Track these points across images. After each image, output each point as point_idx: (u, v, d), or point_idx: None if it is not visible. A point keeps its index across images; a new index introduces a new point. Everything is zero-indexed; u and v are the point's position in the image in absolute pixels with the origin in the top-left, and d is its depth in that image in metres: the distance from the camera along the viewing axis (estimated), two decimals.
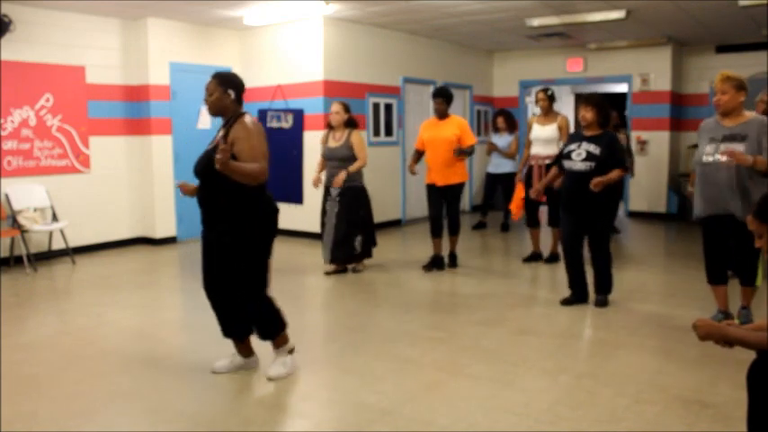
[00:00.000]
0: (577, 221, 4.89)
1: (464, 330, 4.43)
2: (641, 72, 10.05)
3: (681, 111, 10.30)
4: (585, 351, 4.13)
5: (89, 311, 5.05)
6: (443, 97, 6.14)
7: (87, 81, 7.43)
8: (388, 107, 9.13)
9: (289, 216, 8.29)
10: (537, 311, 4.89)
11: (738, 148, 3.95)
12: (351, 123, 6.00)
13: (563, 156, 4.96)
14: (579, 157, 4.80)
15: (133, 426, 3.04)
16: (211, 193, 3.42)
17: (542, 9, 7.55)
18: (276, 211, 3.61)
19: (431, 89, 9.80)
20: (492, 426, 2.96)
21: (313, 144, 8.12)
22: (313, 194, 8.24)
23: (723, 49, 9.96)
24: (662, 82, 9.92)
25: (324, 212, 6.10)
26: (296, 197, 8.31)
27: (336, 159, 5.93)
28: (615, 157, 4.75)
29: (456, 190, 6.20)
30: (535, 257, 6.68)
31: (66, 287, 6.12)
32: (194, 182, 3.61)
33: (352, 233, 6.03)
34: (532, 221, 6.66)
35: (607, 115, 4.88)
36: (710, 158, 4.10)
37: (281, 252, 7.46)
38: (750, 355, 2.18)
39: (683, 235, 8.38)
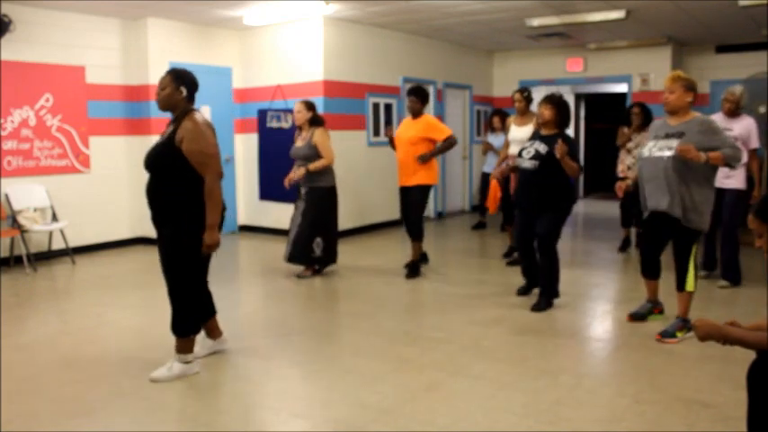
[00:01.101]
0: (527, 218, 4.95)
1: (464, 330, 4.44)
2: (641, 72, 10.05)
3: None
4: (585, 351, 4.13)
5: (89, 311, 5.05)
6: (416, 95, 6.04)
7: (87, 81, 7.43)
8: (388, 107, 9.13)
9: (288, 216, 8.28)
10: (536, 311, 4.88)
11: (672, 144, 4.03)
12: (315, 122, 5.88)
13: (518, 154, 5.06)
14: (528, 155, 4.87)
15: (133, 426, 3.04)
16: (159, 187, 3.51)
17: (542, 9, 7.55)
18: (223, 208, 3.65)
19: (431, 89, 9.83)
20: (492, 426, 2.96)
21: None
22: None
23: (723, 49, 9.96)
24: (662, 82, 9.74)
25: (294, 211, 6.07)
26: (294, 197, 8.28)
27: (300, 158, 5.88)
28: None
29: (418, 192, 6.01)
30: (513, 252, 6.68)
31: (66, 287, 6.12)
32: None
33: (312, 234, 5.92)
34: (510, 219, 6.61)
35: (566, 116, 4.94)
36: (647, 153, 4.19)
37: (279, 252, 7.48)
38: (750, 355, 2.18)
39: None
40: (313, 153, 5.81)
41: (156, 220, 3.57)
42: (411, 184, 6.01)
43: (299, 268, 6.16)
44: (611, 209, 11.11)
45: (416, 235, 6.08)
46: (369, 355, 3.97)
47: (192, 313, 3.64)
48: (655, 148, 4.14)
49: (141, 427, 3.02)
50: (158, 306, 5.31)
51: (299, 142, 5.94)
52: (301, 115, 5.88)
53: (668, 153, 4.03)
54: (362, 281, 5.99)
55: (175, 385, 3.52)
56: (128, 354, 4.03)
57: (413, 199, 6.04)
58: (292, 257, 6.01)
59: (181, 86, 3.54)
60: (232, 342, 4.12)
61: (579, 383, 3.46)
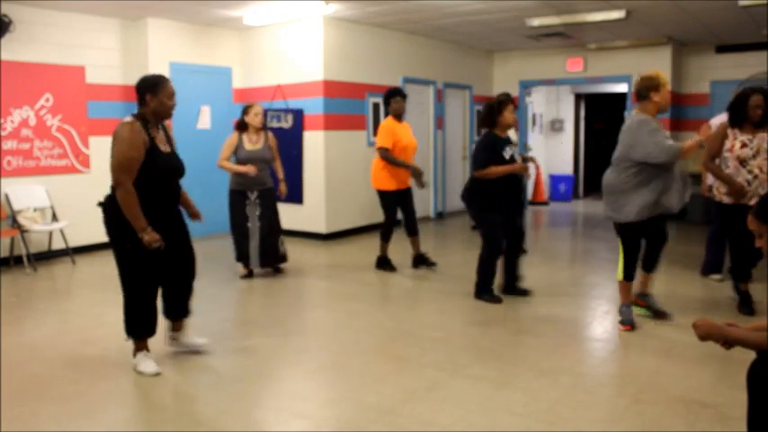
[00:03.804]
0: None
1: (463, 330, 4.44)
2: (641, 72, 9.98)
3: (681, 111, 10.29)
4: (585, 351, 4.13)
5: (89, 311, 5.05)
6: (403, 96, 6.17)
7: (87, 81, 7.43)
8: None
9: (289, 216, 8.29)
10: (536, 311, 4.89)
11: None
12: (267, 125, 6.01)
13: None
14: None
15: (133, 426, 3.05)
16: (178, 191, 3.89)
17: (542, 9, 7.55)
18: None
19: (431, 89, 9.83)
20: (492, 426, 2.96)
21: (313, 144, 8.13)
22: (312, 194, 8.24)
23: (723, 49, 9.96)
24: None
25: (240, 215, 5.88)
26: (296, 197, 8.31)
27: (261, 161, 5.84)
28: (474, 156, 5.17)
29: (411, 191, 6.31)
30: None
31: (66, 287, 6.12)
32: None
33: (277, 235, 6.05)
34: None
35: (486, 117, 5.23)
36: None
37: None
38: (750, 355, 2.18)
39: (682, 235, 8.38)
40: (272, 156, 6.02)
41: (179, 217, 3.89)
42: (409, 185, 6.30)
43: (302, 269, 6.15)
44: None
45: (417, 229, 6.34)
46: (368, 355, 3.97)
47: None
48: None
49: (141, 427, 3.03)
50: (158, 306, 5.31)
51: (251, 145, 5.83)
52: (259, 118, 5.90)
53: None
54: (362, 280, 5.99)
55: (175, 385, 3.52)
56: (128, 354, 4.02)
57: (411, 197, 6.31)
58: (265, 263, 6.01)
59: (146, 95, 3.87)
60: (231, 342, 4.13)
61: (579, 383, 3.46)
